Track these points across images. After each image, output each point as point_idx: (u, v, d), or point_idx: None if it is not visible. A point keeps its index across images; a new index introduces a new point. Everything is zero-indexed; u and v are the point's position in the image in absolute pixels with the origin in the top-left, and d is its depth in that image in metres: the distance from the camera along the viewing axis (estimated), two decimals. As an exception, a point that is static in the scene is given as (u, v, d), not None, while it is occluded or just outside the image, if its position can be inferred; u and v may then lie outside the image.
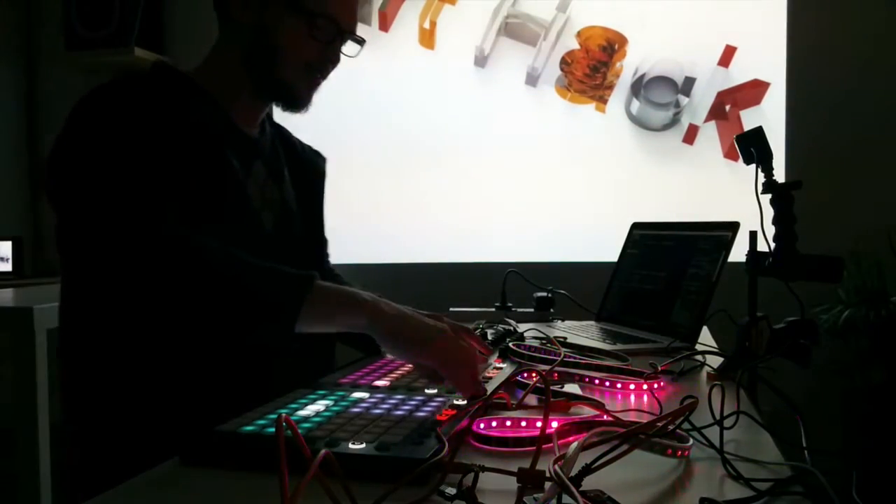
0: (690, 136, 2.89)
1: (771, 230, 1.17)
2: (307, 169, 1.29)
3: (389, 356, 1.14)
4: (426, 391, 0.94)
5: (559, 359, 1.10)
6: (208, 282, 0.89)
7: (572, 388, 1.02)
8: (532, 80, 2.97)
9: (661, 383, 1.09)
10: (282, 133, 1.27)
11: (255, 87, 1.11)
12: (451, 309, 1.87)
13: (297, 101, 1.12)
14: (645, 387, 1.05)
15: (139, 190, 0.92)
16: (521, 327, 1.46)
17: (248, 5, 1.07)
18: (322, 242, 1.36)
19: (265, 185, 1.14)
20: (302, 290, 0.89)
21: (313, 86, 1.13)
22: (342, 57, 1.14)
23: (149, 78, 1.06)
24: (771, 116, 2.77)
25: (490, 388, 0.95)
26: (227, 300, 0.89)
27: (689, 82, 2.88)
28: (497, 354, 1.20)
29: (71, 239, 0.98)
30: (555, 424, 0.76)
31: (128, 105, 0.98)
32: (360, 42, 1.14)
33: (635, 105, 2.92)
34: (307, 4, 1.06)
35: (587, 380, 1.08)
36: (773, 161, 1.20)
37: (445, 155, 3.00)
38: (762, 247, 1.19)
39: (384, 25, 3.03)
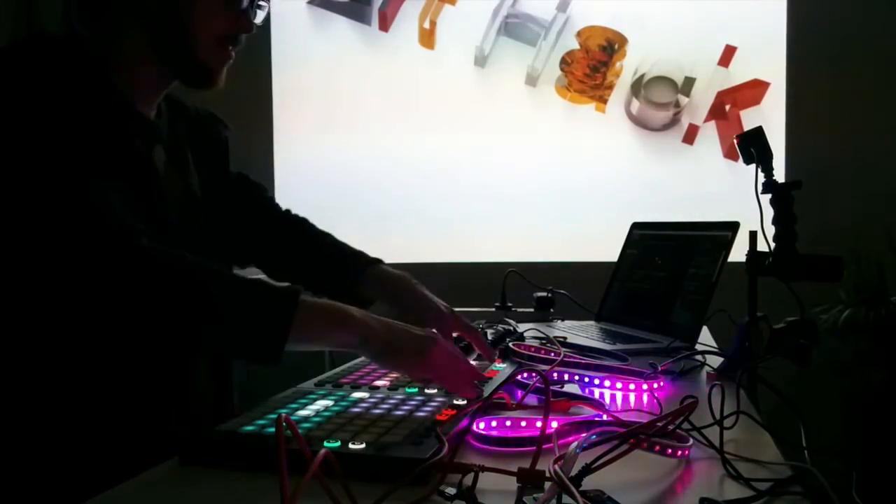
0: (690, 136, 2.89)
1: (771, 230, 1.17)
2: (208, 143, 1.17)
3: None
4: (426, 391, 0.94)
5: (559, 359, 1.10)
6: (187, 300, 0.83)
7: (572, 388, 1.02)
8: (532, 80, 2.97)
9: (661, 383, 1.09)
10: (177, 107, 1.14)
11: (165, 68, 1.02)
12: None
13: (211, 79, 1.03)
14: (645, 387, 1.05)
15: (73, 179, 0.83)
16: (521, 327, 1.46)
17: None
18: (256, 196, 1.24)
19: (166, 173, 1.06)
20: (289, 309, 0.83)
21: (226, 59, 1.04)
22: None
23: (33, 50, 0.94)
24: (771, 116, 2.77)
25: (490, 388, 0.95)
26: (208, 320, 0.83)
27: (689, 82, 2.88)
28: (497, 355, 1.20)
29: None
30: (555, 424, 0.76)
31: (20, 82, 0.88)
32: (264, 7, 1.05)
33: (635, 105, 2.92)
34: None
35: (587, 380, 1.08)
36: (773, 161, 1.20)
37: (445, 155, 3.00)
38: (762, 247, 1.19)
39: (384, 25, 3.03)
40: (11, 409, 0.94)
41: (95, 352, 0.92)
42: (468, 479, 0.61)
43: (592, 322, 1.74)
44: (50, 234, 0.81)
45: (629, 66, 2.92)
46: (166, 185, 1.03)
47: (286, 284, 0.88)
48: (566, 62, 2.95)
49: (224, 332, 0.84)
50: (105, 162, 0.89)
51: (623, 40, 2.92)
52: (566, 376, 1.07)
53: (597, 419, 0.83)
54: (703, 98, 2.88)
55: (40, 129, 0.85)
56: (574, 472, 0.60)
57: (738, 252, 1.31)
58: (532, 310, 1.82)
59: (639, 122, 2.93)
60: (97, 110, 0.93)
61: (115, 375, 0.94)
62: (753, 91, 2.85)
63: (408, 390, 0.95)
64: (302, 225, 1.25)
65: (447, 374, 0.89)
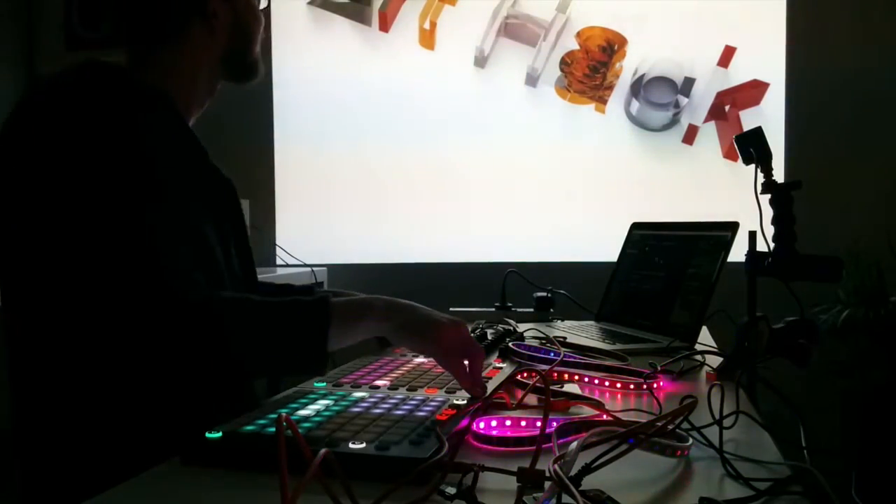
0: (690, 136, 2.90)
1: (770, 230, 1.17)
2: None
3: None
4: (426, 391, 0.94)
5: (559, 359, 1.10)
6: (231, 344, 0.88)
7: (572, 388, 1.02)
8: (532, 80, 2.97)
9: (661, 383, 1.09)
10: None
11: (228, 75, 1.13)
12: (451, 309, 1.87)
13: (259, 70, 1.16)
14: (645, 387, 1.05)
15: (134, 223, 0.88)
16: (521, 327, 1.46)
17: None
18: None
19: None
20: (324, 318, 0.89)
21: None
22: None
23: (106, 81, 0.96)
24: (771, 116, 2.78)
25: (490, 388, 0.95)
26: (254, 354, 0.90)
27: (689, 82, 2.89)
28: (497, 355, 1.20)
29: (38, 264, 0.91)
30: (555, 424, 0.76)
31: (93, 114, 0.90)
32: None
33: (635, 105, 2.92)
34: None
35: (587, 380, 1.08)
36: (773, 161, 1.20)
37: (445, 155, 3.00)
38: (762, 247, 1.19)
39: (384, 26, 3.03)
40: (37, 410, 0.97)
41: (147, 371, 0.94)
42: (468, 479, 0.61)
43: (592, 322, 1.74)
44: (108, 271, 0.86)
45: (629, 67, 2.92)
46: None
47: (313, 297, 0.94)
48: (566, 63, 2.95)
49: (272, 357, 0.91)
50: (197, 189, 0.99)
51: (623, 41, 2.92)
52: (566, 376, 1.07)
53: (597, 419, 0.83)
54: (702, 98, 2.88)
55: (128, 164, 0.90)
56: (574, 471, 0.60)
57: (738, 252, 1.31)
58: (532, 310, 1.82)
59: (638, 122, 2.93)
60: (184, 140, 1.02)
61: (163, 385, 0.95)
62: (753, 91, 2.85)
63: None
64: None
65: (445, 357, 0.90)
